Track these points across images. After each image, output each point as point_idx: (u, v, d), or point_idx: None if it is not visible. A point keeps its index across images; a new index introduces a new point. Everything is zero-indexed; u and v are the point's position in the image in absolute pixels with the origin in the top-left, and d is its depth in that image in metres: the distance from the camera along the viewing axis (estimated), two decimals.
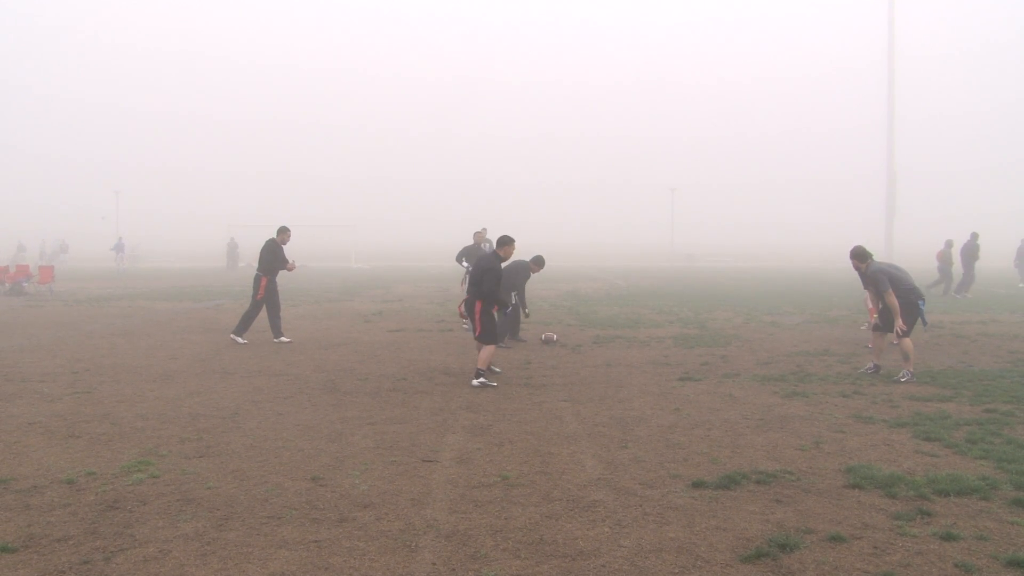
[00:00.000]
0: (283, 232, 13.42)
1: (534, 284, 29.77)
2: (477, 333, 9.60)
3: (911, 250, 53.77)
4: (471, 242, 15.79)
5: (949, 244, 23.83)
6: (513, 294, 12.39)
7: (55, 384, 9.37)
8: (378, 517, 4.94)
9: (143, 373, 10.19)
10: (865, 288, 11.41)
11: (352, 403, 8.38)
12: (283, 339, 13.14)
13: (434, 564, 4.24)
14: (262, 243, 13.46)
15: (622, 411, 7.97)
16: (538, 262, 12.54)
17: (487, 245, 15.20)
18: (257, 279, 13.22)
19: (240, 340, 12.89)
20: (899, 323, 9.55)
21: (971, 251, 23.84)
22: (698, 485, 5.55)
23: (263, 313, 13.28)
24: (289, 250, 13.63)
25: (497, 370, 10.10)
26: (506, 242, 9.85)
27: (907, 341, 9.65)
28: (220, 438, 6.87)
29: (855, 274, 10.51)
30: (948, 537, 4.57)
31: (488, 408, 8.11)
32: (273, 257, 13.19)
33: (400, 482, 5.64)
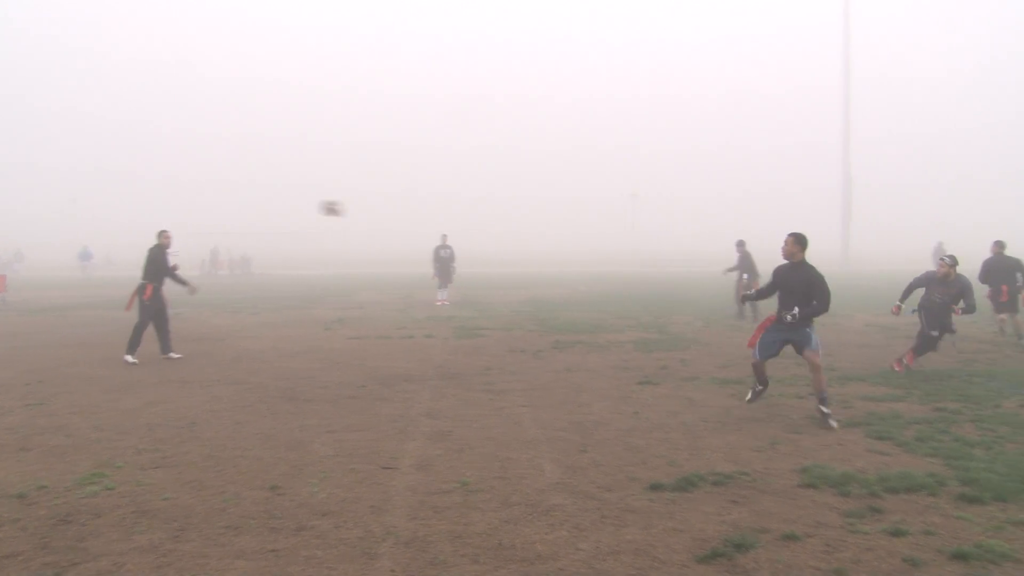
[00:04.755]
0: (163, 235, 12.73)
1: (492, 290, 29.85)
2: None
3: (865, 256, 54.87)
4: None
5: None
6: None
7: (6, 396, 9.17)
8: (337, 525, 4.92)
9: (99, 384, 10.01)
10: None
11: (312, 411, 8.32)
12: (172, 355, 12.28)
13: (393, 571, 4.24)
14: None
15: (582, 415, 8.03)
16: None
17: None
18: (142, 287, 12.29)
19: (174, 355, 12.22)
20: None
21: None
22: (656, 487, 5.62)
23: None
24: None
25: None
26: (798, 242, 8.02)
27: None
28: (177, 448, 6.78)
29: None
30: (897, 533, 4.70)
31: (448, 414, 8.12)
32: (158, 264, 12.39)
33: (359, 490, 5.63)
